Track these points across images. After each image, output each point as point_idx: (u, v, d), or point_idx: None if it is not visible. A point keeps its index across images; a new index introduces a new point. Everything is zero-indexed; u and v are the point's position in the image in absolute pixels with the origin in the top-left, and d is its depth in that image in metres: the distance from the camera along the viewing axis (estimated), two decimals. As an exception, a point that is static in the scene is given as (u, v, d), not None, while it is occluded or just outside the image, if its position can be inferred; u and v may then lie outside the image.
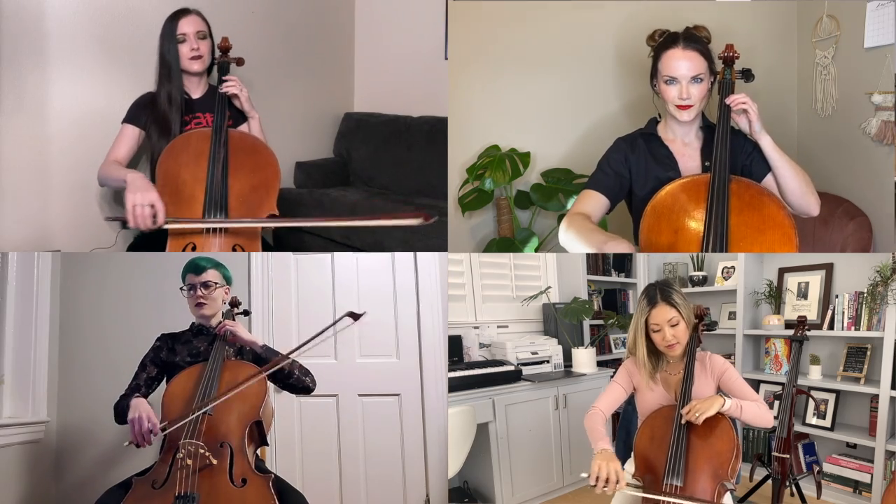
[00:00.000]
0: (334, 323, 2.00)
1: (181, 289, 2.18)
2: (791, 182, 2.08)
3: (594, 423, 1.95)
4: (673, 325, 1.93)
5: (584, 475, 1.78)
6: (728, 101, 2.10)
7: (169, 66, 2.45)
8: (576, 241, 2.03)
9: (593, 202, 2.16)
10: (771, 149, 2.10)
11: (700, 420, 1.81)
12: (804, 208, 2.11)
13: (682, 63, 2.06)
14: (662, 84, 2.10)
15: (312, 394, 2.17)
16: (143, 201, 2.15)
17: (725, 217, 2.02)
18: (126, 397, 2.02)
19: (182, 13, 2.45)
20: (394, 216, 2.41)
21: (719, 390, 1.98)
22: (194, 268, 2.16)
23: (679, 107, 2.09)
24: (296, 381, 2.09)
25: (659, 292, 1.95)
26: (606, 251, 1.96)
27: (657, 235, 2.06)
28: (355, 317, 2.02)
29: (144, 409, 1.87)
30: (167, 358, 2.14)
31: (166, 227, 2.21)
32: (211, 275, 2.16)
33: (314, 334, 2.02)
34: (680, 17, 2.24)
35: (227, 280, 2.23)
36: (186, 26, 2.43)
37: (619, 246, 1.93)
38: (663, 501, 1.76)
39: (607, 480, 1.72)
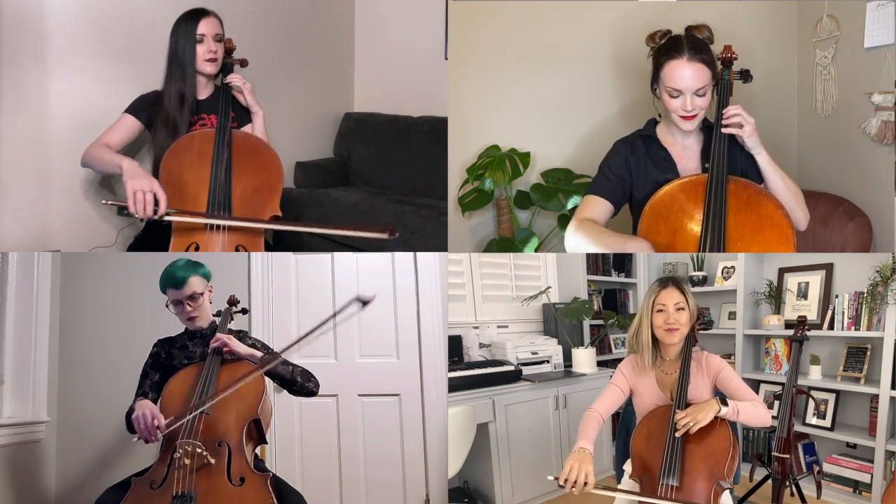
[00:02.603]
0: (342, 309, 1.90)
1: (167, 306, 2.12)
2: (782, 197, 2.08)
3: (586, 423, 1.95)
4: (678, 310, 1.94)
5: (551, 478, 1.77)
6: (723, 113, 2.06)
7: (182, 65, 2.43)
8: (589, 245, 2.03)
9: (598, 208, 2.15)
10: (766, 165, 2.08)
11: (695, 430, 1.81)
12: (793, 223, 2.10)
13: (686, 75, 2.01)
14: (665, 94, 2.07)
15: (312, 393, 2.17)
16: (145, 188, 2.12)
17: (723, 217, 2.01)
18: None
19: (202, 14, 2.43)
20: (362, 229, 2.54)
21: (716, 390, 1.98)
22: (173, 282, 2.07)
23: (683, 118, 2.07)
24: (299, 388, 2.09)
25: (671, 279, 2.00)
26: (628, 251, 1.98)
27: (655, 235, 2.06)
28: (364, 302, 1.92)
29: (147, 406, 1.88)
30: (166, 362, 2.14)
31: (167, 218, 2.18)
32: (193, 283, 2.08)
33: (319, 322, 1.90)
34: (680, 17, 2.23)
35: (208, 278, 2.16)
36: (205, 27, 2.41)
37: (640, 246, 1.95)
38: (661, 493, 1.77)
39: (575, 482, 1.71)
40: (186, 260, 2.12)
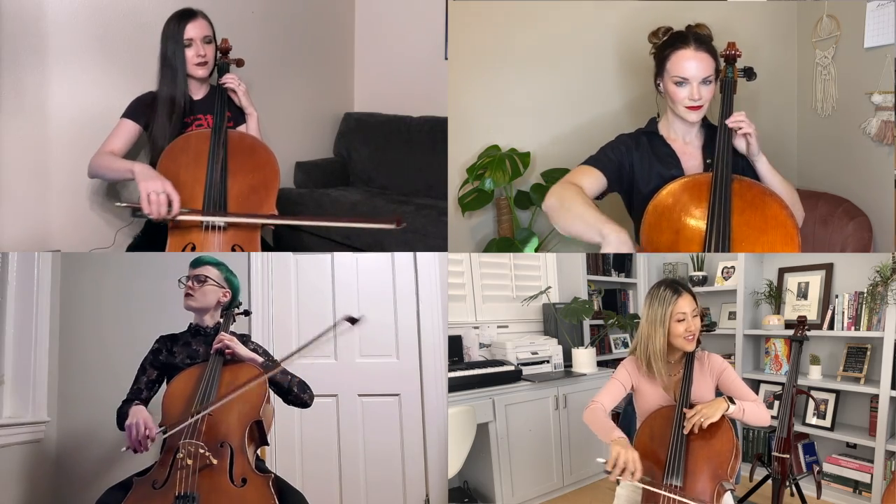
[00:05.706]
0: (332, 327, 1.97)
1: (179, 280, 2.18)
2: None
3: (600, 415, 1.92)
4: (695, 317, 1.93)
5: (601, 460, 1.75)
6: (728, 122, 2.09)
7: (173, 69, 2.43)
8: (565, 212, 1.99)
9: (590, 177, 2.11)
10: (766, 170, 2.12)
11: (706, 426, 1.81)
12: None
13: (693, 64, 2.06)
14: (671, 85, 2.09)
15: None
16: (158, 189, 2.16)
17: (727, 217, 2.01)
18: (127, 402, 2.02)
19: (188, 16, 2.42)
20: (369, 220, 2.57)
21: (717, 390, 1.98)
22: (195, 261, 2.19)
23: (689, 108, 2.09)
24: (294, 398, 2.10)
25: (680, 285, 1.95)
26: (604, 246, 1.90)
27: (658, 235, 2.05)
28: (353, 321, 1.99)
29: (141, 416, 1.88)
30: (166, 360, 2.14)
31: (180, 218, 2.20)
32: (206, 270, 2.16)
33: (310, 339, 1.97)
34: (681, 16, 2.24)
35: (232, 287, 2.21)
36: (193, 31, 2.40)
37: (619, 238, 1.88)
38: (664, 497, 1.76)
39: (624, 469, 1.70)
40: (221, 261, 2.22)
